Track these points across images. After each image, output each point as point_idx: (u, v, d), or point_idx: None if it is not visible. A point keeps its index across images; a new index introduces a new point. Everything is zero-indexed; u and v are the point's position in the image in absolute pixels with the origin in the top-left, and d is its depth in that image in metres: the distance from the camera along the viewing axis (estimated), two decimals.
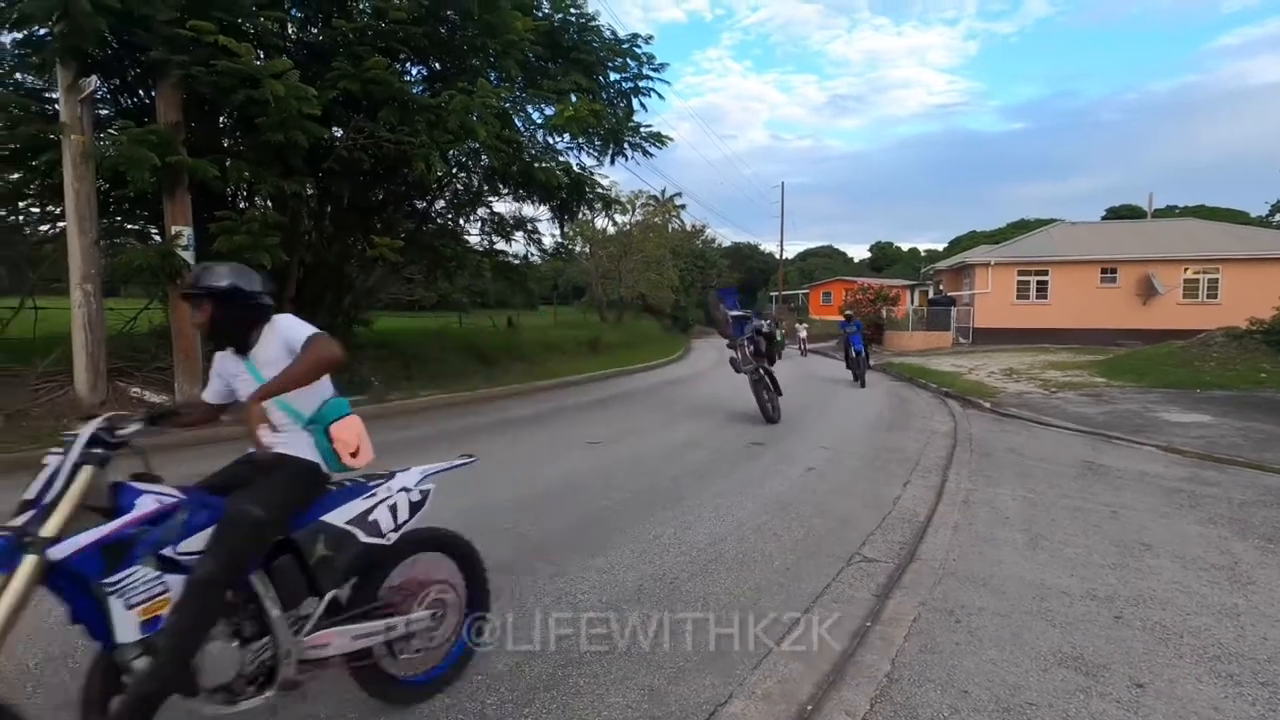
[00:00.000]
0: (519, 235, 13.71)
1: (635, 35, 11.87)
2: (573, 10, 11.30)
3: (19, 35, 7.70)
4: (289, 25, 9.20)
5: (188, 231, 7.72)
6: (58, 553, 1.67)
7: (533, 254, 14.48)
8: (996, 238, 45.15)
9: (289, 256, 8.86)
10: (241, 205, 9.49)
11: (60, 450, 1.79)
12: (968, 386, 13.26)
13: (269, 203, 9.36)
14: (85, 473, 1.76)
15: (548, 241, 14.55)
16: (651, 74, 12.17)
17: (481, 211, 13.30)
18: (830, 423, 9.55)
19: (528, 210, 13.57)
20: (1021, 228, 47.23)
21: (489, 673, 2.67)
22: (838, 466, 6.70)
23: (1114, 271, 26.33)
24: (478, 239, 13.55)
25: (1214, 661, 2.90)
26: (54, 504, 1.71)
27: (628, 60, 11.92)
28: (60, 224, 8.47)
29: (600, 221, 28.51)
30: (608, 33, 11.74)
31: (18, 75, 8.20)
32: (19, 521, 1.69)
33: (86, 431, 1.84)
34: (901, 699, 2.56)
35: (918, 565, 3.97)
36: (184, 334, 7.86)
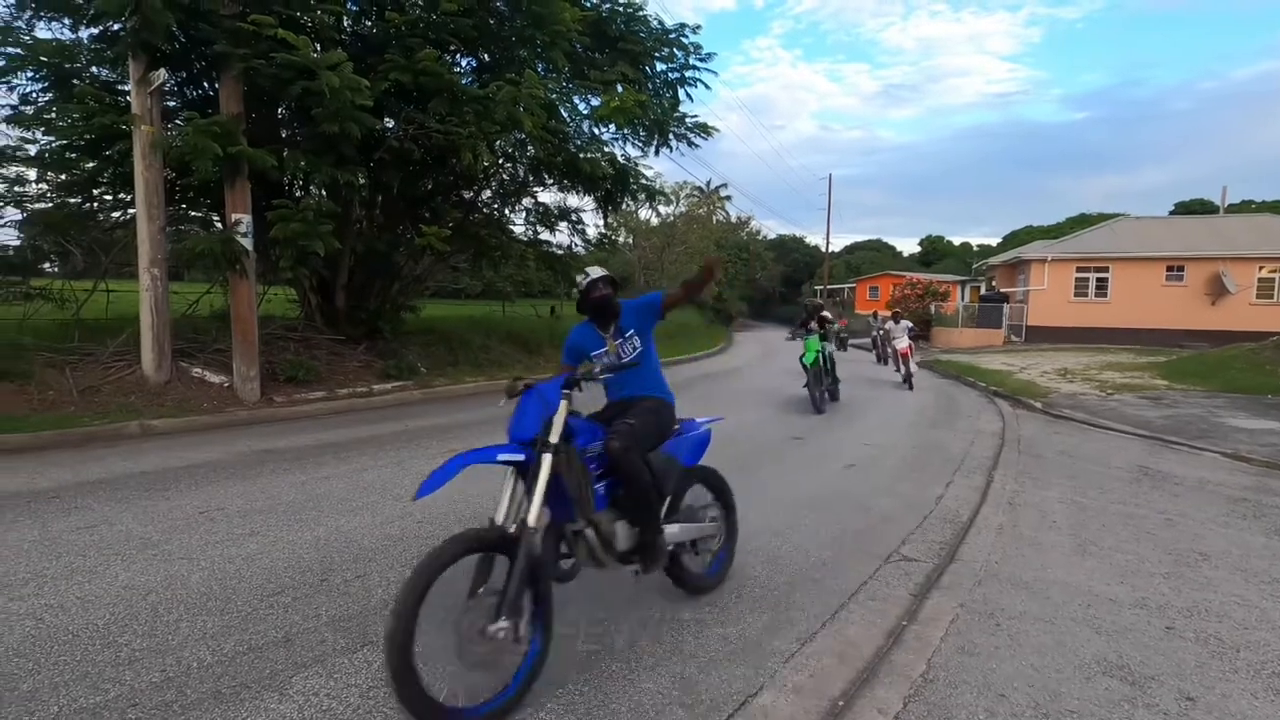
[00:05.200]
0: (563, 226, 13.79)
1: (683, 25, 11.81)
2: (620, 0, 11.28)
3: (95, 30, 8.11)
4: (344, 18, 9.43)
5: (247, 219, 8.02)
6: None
7: (576, 244, 14.53)
8: (1054, 233, 43.54)
9: (341, 244, 9.13)
10: (297, 194, 9.81)
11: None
12: (1018, 386, 12.84)
13: (323, 192, 9.66)
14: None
15: (591, 232, 14.58)
16: (698, 64, 12.10)
17: (527, 202, 13.44)
18: (874, 419, 9.39)
19: (572, 201, 13.65)
20: (1082, 222, 45.37)
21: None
22: (879, 464, 6.60)
23: (1181, 269, 25.09)
24: (522, 229, 13.70)
25: (1272, 678, 2.78)
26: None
27: (674, 50, 11.85)
28: (130, 211, 8.90)
29: (644, 213, 28.47)
30: (655, 22, 11.70)
31: (94, 69, 8.61)
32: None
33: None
34: (936, 699, 2.53)
35: (958, 566, 3.90)
36: (241, 317, 8.19)
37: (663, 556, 2.94)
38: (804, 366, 9.73)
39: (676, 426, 3.31)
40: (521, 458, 2.49)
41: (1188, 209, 49.30)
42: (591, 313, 3.26)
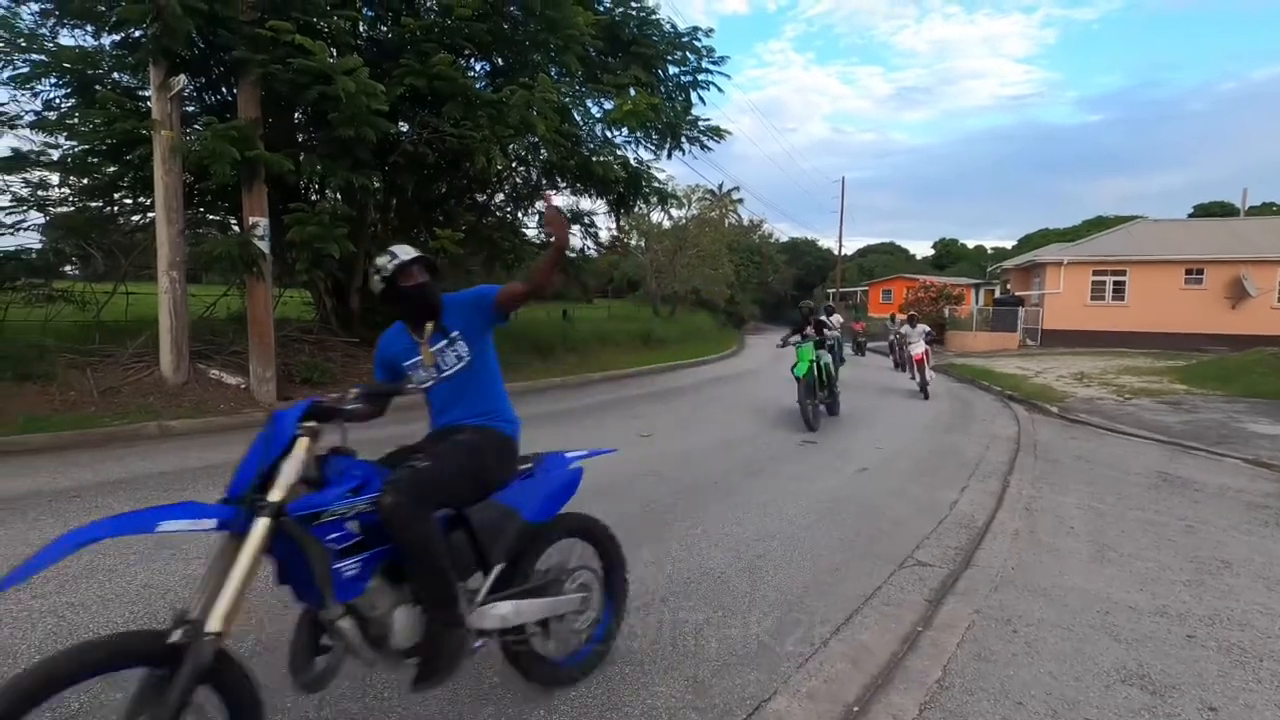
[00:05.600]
0: (575, 228, 13.85)
1: (695, 28, 11.84)
2: (633, 4, 11.32)
3: (117, 37, 8.25)
4: (360, 24, 9.53)
5: (264, 222, 8.11)
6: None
7: (589, 247, 14.61)
8: (1070, 236, 43.07)
9: (356, 247, 9.21)
10: (313, 198, 9.91)
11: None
12: (1034, 390, 12.72)
13: (339, 195, 9.75)
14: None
15: (604, 235, 14.64)
16: (711, 67, 12.12)
17: (539, 205, 13.51)
18: (885, 424, 9.33)
19: (585, 204, 13.75)
20: (1098, 225, 44.87)
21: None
22: (892, 467, 6.55)
23: (1200, 272, 24.74)
24: (535, 232, 13.78)
25: None
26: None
27: (687, 54, 11.88)
28: (150, 214, 9.02)
29: (656, 216, 28.50)
30: (668, 26, 11.75)
31: (115, 75, 8.76)
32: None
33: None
34: (952, 706, 2.51)
35: (974, 572, 3.86)
36: (258, 320, 8.27)
37: (456, 656, 2.03)
38: (795, 379, 8.51)
39: (527, 465, 2.50)
40: (208, 524, 1.66)
41: (1207, 211, 48.63)
42: (402, 308, 2.39)
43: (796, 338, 9.09)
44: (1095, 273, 25.98)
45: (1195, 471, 6.77)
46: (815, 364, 8.61)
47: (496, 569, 2.26)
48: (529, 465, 2.51)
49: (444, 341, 2.37)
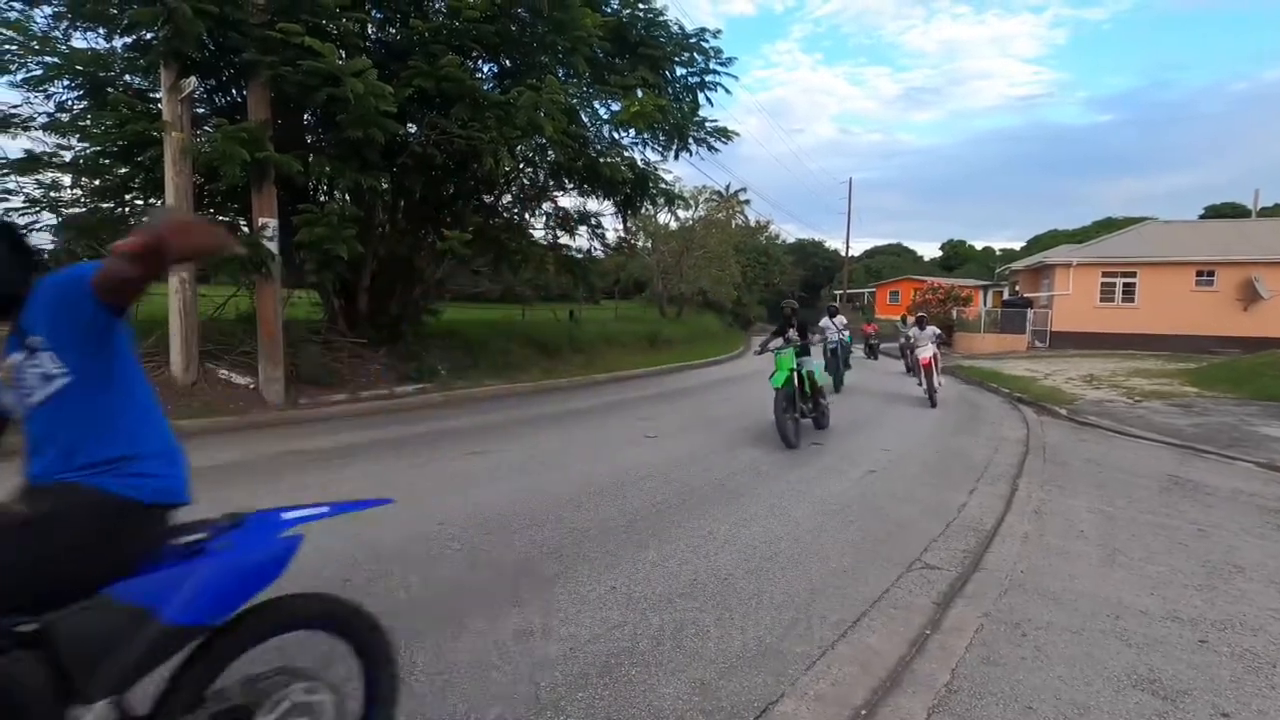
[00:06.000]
0: (582, 230, 13.86)
1: (703, 29, 11.81)
2: (641, 5, 11.32)
3: (129, 40, 8.32)
4: (369, 25, 9.57)
5: (273, 223, 8.16)
6: None
7: (595, 248, 14.61)
8: (1079, 237, 42.78)
9: (364, 248, 9.26)
10: (322, 199, 9.96)
11: None
12: (1043, 392, 12.64)
13: (347, 196, 9.79)
14: None
15: (610, 236, 14.64)
16: (718, 68, 12.08)
17: (546, 206, 13.52)
18: (893, 428, 9.29)
19: (591, 205, 13.72)
20: (1108, 226, 44.59)
21: (542, 656, 2.74)
22: (899, 470, 6.52)
23: (1211, 273, 24.54)
24: (542, 233, 13.79)
25: None
26: None
27: (694, 55, 11.86)
28: None
29: (663, 217, 28.49)
30: (675, 27, 11.71)
31: (127, 77, 8.83)
32: None
33: None
34: (961, 710, 2.49)
35: (982, 575, 3.83)
36: (267, 320, 8.32)
37: None
38: (773, 389, 7.43)
39: (199, 536, 1.65)
40: None
41: (1218, 212, 48.28)
42: None
43: (778, 342, 7.99)
44: (1105, 274, 25.82)
45: (1207, 475, 6.71)
46: (795, 373, 7.69)
47: (100, 704, 1.39)
48: (201, 536, 1.65)
49: (20, 353, 1.48)
